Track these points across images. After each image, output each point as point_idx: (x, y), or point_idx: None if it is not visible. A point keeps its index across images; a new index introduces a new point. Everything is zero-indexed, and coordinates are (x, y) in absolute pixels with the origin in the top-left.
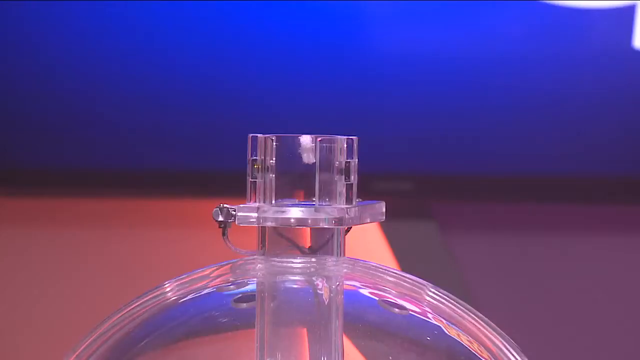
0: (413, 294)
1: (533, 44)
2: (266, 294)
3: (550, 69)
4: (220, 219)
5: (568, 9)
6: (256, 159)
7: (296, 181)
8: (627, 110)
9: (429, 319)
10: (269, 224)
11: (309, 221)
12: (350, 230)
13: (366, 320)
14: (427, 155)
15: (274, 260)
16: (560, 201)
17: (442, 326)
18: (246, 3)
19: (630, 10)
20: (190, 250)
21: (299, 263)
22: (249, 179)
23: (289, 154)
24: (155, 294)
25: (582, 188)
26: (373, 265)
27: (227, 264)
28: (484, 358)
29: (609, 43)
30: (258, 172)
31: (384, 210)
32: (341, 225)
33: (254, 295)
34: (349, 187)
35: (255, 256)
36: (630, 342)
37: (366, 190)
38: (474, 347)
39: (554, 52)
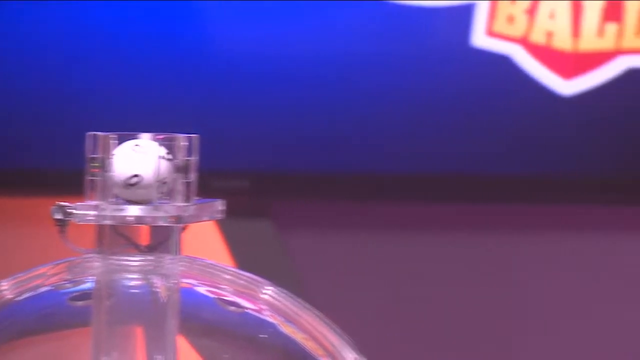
0: (249, 292)
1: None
2: (103, 293)
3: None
4: (59, 217)
5: (412, 7)
6: (95, 157)
7: None
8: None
9: (265, 316)
10: (107, 222)
11: (148, 219)
12: (188, 228)
13: (202, 319)
14: (264, 153)
15: (112, 259)
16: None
17: (277, 324)
18: (90, 3)
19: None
20: (27, 250)
21: (137, 261)
22: (88, 177)
23: None
24: None
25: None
26: (210, 264)
27: (64, 262)
28: (318, 355)
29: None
30: (97, 170)
31: (221, 208)
32: (179, 223)
33: (92, 293)
34: (187, 185)
35: (93, 254)
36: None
37: (205, 189)
38: (309, 345)
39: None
